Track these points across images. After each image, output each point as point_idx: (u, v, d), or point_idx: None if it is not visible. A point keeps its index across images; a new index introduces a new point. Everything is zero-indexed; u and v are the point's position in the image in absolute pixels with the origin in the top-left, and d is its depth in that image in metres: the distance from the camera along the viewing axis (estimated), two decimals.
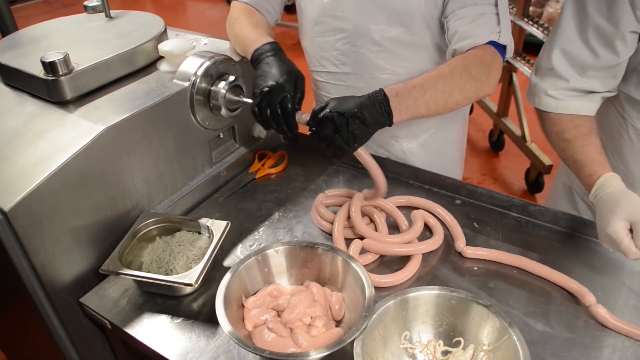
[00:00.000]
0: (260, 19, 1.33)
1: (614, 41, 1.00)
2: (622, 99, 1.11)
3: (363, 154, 1.08)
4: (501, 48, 1.12)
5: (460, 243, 1.09)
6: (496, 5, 1.11)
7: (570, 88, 1.08)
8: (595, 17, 1.00)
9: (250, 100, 1.16)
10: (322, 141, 1.03)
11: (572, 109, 1.09)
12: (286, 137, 1.49)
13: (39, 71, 1.04)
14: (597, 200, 0.98)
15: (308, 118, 1.06)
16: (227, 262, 1.09)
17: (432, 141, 1.42)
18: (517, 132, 3.07)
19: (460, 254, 1.08)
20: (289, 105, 1.06)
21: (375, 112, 1.01)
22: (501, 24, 1.11)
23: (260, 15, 1.35)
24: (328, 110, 1.01)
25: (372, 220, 1.16)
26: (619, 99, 1.12)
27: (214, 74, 1.16)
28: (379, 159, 1.32)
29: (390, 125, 1.04)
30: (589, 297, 0.95)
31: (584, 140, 1.05)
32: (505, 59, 1.15)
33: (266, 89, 1.06)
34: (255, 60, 1.16)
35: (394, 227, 1.15)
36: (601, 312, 0.92)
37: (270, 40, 1.18)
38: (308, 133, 1.07)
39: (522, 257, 1.05)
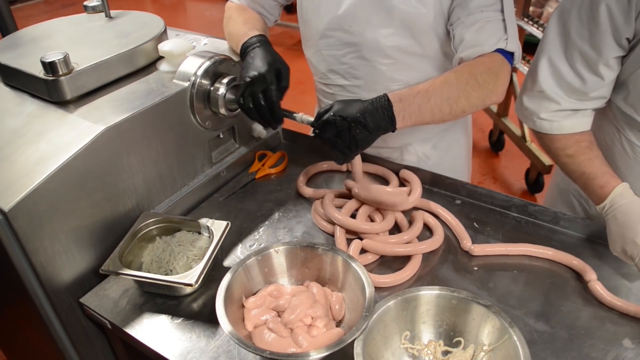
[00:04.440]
0: (252, 15, 1.32)
1: (598, 66, 0.99)
2: (614, 109, 1.10)
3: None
4: (509, 55, 1.10)
5: (467, 242, 1.09)
6: (502, 11, 1.09)
7: (561, 109, 1.08)
8: (578, 41, 1.00)
9: None
10: (325, 143, 1.04)
11: (567, 129, 1.09)
12: (286, 136, 1.49)
13: (39, 71, 1.04)
14: (616, 210, 0.98)
15: (312, 119, 1.06)
16: (227, 262, 1.09)
17: (443, 142, 1.42)
18: (517, 132, 3.08)
19: (459, 253, 1.08)
20: (273, 96, 1.07)
21: (378, 117, 1.00)
22: (508, 31, 1.09)
23: (253, 12, 1.34)
24: (331, 114, 1.01)
25: (372, 220, 1.16)
26: (612, 109, 1.11)
27: (213, 74, 1.16)
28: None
29: (393, 131, 1.03)
30: (590, 274, 1.00)
31: (587, 154, 1.06)
32: (513, 65, 1.13)
33: (248, 79, 1.07)
34: (242, 55, 1.17)
35: (394, 227, 1.15)
36: (598, 288, 0.97)
37: (257, 33, 1.18)
38: (311, 134, 1.07)
39: (527, 244, 1.08)
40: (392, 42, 1.20)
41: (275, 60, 1.10)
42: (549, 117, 1.09)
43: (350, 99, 1.05)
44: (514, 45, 1.10)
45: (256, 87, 1.06)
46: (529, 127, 1.15)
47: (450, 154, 1.45)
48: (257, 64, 1.09)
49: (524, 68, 2.89)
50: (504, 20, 1.09)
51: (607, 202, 1.00)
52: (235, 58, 1.23)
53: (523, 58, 2.99)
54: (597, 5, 0.94)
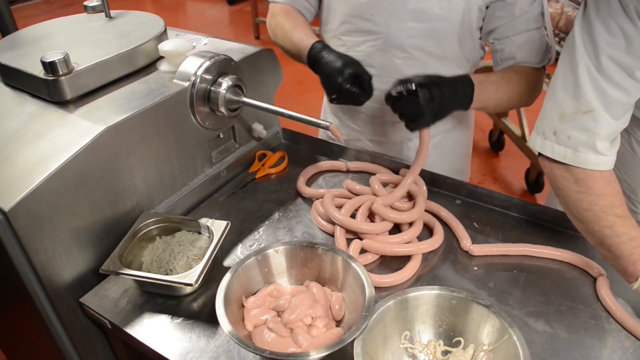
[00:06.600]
0: (298, 20, 1.34)
1: (635, 72, 0.91)
2: None
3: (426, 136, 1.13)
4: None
5: (467, 242, 1.09)
6: (545, 27, 1.17)
7: (607, 134, 0.94)
8: (612, 53, 0.91)
9: (249, 100, 1.17)
10: (407, 107, 1.05)
11: (610, 164, 0.96)
12: (285, 136, 1.49)
13: (39, 71, 1.04)
14: None
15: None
16: (227, 262, 1.09)
17: (445, 141, 1.43)
18: (517, 132, 3.07)
19: (459, 253, 1.08)
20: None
21: (461, 92, 1.06)
22: (552, 50, 1.19)
23: (298, 15, 1.36)
24: (422, 81, 1.03)
25: (372, 220, 1.16)
26: None
27: (214, 74, 1.16)
28: (379, 158, 1.33)
29: (465, 110, 1.10)
30: (598, 269, 1.02)
31: (632, 219, 0.94)
32: None
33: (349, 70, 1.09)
34: (313, 54, 1.19)
35: (394, 227, 1.15)
36: (601, 284, 0.99)
37: (314, 39, 1.22)
38: (393, 93, 1.06)
39: (527, 244, 1.08)
40: (413, 39, 1.22)
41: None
42: (604, 150, 0.94)
43: (427, 73, 1.07)
44: (552, 61, 1.20)
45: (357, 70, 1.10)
46: (563, 161, 0.97)
47: (452, 154, 1.46)
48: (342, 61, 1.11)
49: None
50: (546, 36, 1.19)
51: None
52: (237, 58, 1.23)
53: None
54: (627, 7, 0.87)
